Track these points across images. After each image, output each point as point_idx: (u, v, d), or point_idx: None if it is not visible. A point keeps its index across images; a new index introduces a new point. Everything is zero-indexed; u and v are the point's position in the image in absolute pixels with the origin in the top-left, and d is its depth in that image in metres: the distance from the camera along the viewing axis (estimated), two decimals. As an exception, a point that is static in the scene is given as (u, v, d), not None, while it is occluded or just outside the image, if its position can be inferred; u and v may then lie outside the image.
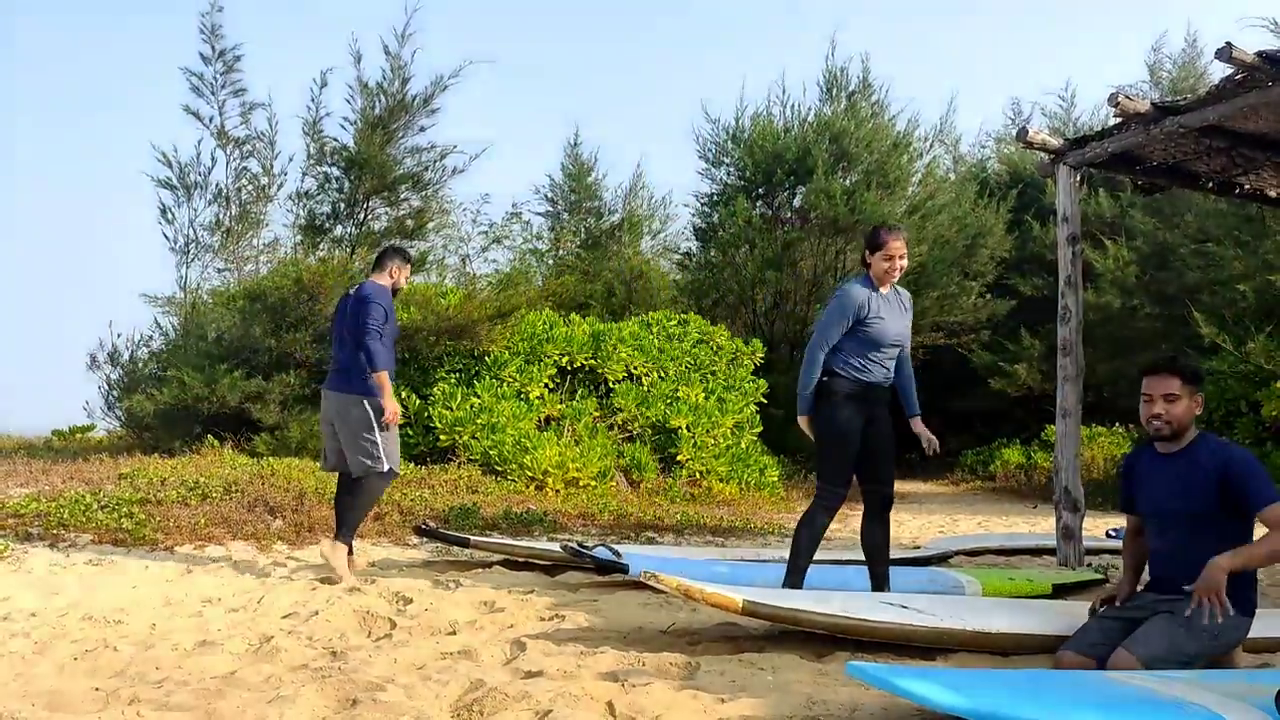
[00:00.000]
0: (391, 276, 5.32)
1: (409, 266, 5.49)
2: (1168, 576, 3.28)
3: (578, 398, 10.74)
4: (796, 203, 15.12)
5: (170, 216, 12.73)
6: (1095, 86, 47.66)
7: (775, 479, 11.37)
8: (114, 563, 5.30)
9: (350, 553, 5.13)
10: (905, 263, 4.26)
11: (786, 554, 6.00)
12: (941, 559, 6.31)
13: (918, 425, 4.41)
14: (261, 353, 10.30)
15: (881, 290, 4.27)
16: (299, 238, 12.69)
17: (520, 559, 5.56)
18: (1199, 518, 3.19)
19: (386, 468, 5.10)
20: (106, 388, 11.77)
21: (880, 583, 4.44)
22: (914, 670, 2.73)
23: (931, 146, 17.21)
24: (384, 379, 5.02)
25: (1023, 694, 2.45)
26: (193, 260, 12.78)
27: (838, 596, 3.82)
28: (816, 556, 4.57)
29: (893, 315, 4.28)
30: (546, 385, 10.48)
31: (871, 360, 4.22)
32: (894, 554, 6.26)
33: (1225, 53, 4.57)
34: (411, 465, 9.18)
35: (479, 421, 9.55)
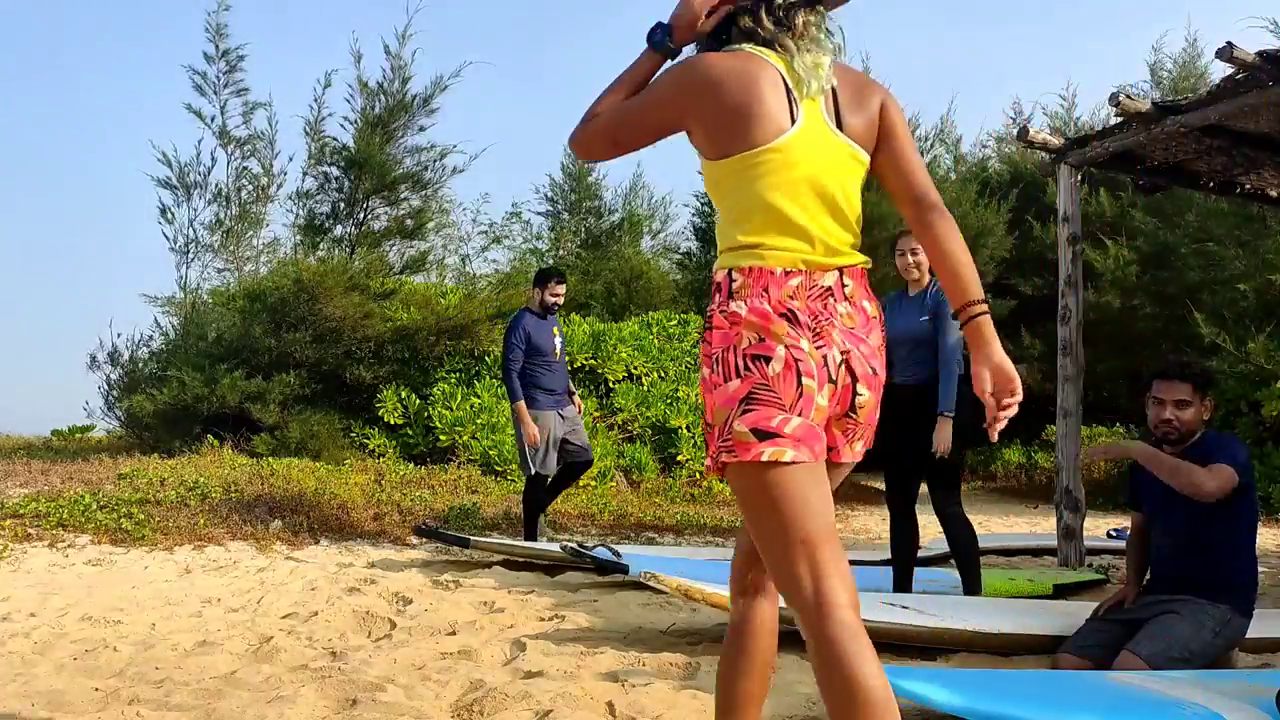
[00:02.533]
0: (536, 297, 6.12)
1: (551, 284, 6.14)
2: (1170, 574, 3.28)
3: (578, 398, 10.74)
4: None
5: (170, 216, 12.72)
6: (1096, 86, 47.66)
7: (775, 479, 11.35)
8: (114, 563, 5.30)
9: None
10: (917, 260, 4.37)
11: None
12: (942, 559, 6.30)
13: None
14: (261, 353, 10.29)
15: (909, 291, 4.45)
16: (299, 238, 12.68)
17: (520, 559, 5.56)
18: (1200, 516, 3.20)
19: (533, 471, 5.96)
20: (106, 388, 11.77)
21: (898, 580, 4.50)
22: (914, 670, 2.72)
23: (932, 146, 17.22)
24: (520, 409, 5.91)
25: (1023, 694, 2.45)
26: (193, 260, 12.78)
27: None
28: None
29: (897, 315, 4.37)
30: (546, 385, 10.47)
31: (895, 359, 4.37)
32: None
33: (1226, 53, 4.57)
34: (411, 465, 9.19)
35: (479, 421, 9.55)
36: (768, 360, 1.69)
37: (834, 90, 1.83)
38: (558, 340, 6.16)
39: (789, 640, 3.66)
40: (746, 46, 1.83)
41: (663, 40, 1.91)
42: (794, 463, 1.66)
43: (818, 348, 1.71)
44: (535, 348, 5.99)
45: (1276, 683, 2.53)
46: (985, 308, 1.80)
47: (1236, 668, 3.19)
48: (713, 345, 1.76)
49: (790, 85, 1.79)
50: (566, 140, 1.98)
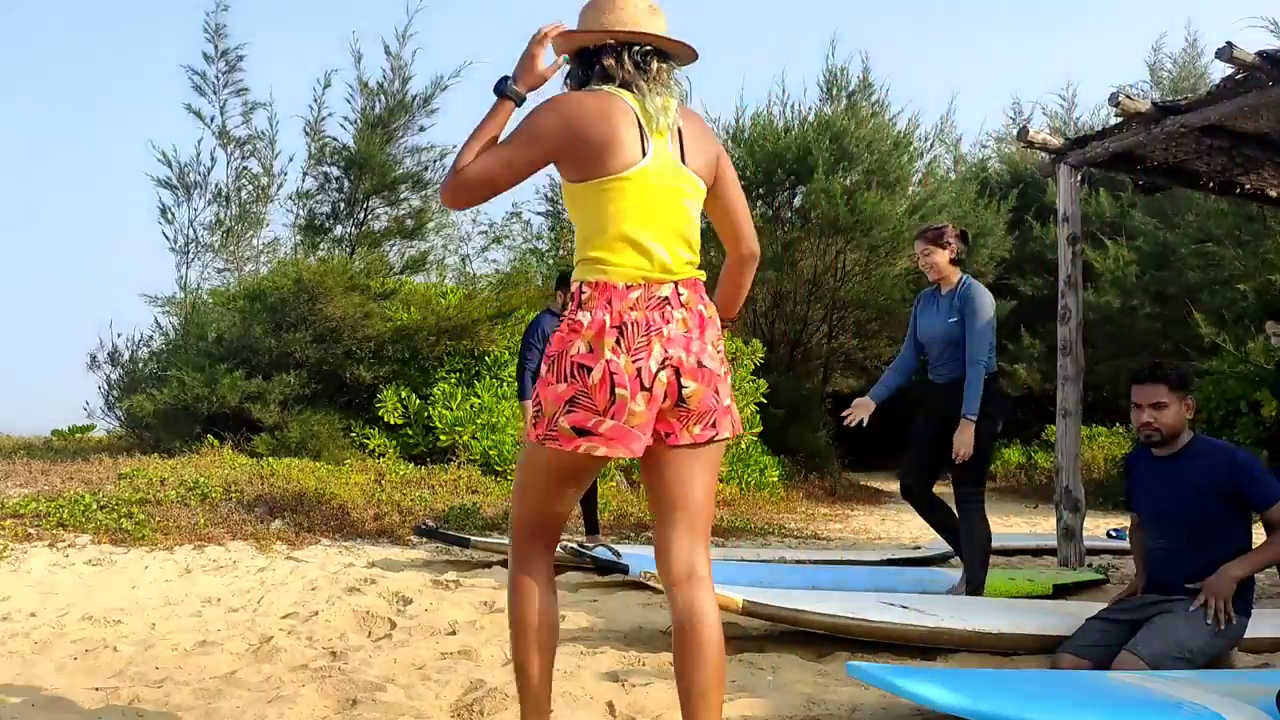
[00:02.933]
0: (560, 299, 5.97)
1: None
2: (1167, 577, 3.28)
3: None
4: (796, 202, 15.11)
5: (170, 216, 12.70)
6: (1096, 86, 47.66)
7: (775, 479, 11.37)
8: (114, 563, 5.30)
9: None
10: (929, 260, 4.46)
11: (786, 554, 6.01)
12: (942, 559, 6.31)
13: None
14: (261, 353, 10.29)
15: (940, 290, 4.50)
16: (299, 238, 12.67)
17: (520, 559, 5.55)
18: (1196, 519, 3.21)
19: None
20: (106, 388, 11.75)
21: (967, 583, 4.47)
22: (914, 670, 2.73)
23: (932, 146, 17.21)
24: (526, 408, 5.70)
25: (1023, 694, 2.45)
26: (193, 260, 12.76)
27: (838, 596, 3.82)
28: (817, 556, 4.56)
29: (928, 315, 4.49)
30: (547, 385, 10.47)
31: (930, 357, 4.51)
32: (894, 554, 6.28)
33: (1226, 53, 4.57)
34: (411, 465, 9.19)
35: (479, 421, 9.54)
36: (589, 371, 2.01)
37: (680, 129, 2.14)
38: None
39: (789, 640, 3.67)
40: (606, 87, 2.12)
41: (508, 89, 2.16)
42: (585, 455, 2.04)
43: (634, 361, 2.01)
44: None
45: (1276, 683, 2.53)
46: (730, 327, 2.31)
47: (1236, 668, 3.20)
48: (553, 347, 2.07)
49: (643, 122, 2.08)
50: (440, 194, 2.19)
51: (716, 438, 2.12)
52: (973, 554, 4.41)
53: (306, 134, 12.64)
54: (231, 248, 12.87)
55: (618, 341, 2.01)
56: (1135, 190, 6.98)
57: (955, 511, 4.49)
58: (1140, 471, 3.42)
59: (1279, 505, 3.14)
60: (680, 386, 2.05)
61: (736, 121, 15.92)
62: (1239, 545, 3.20)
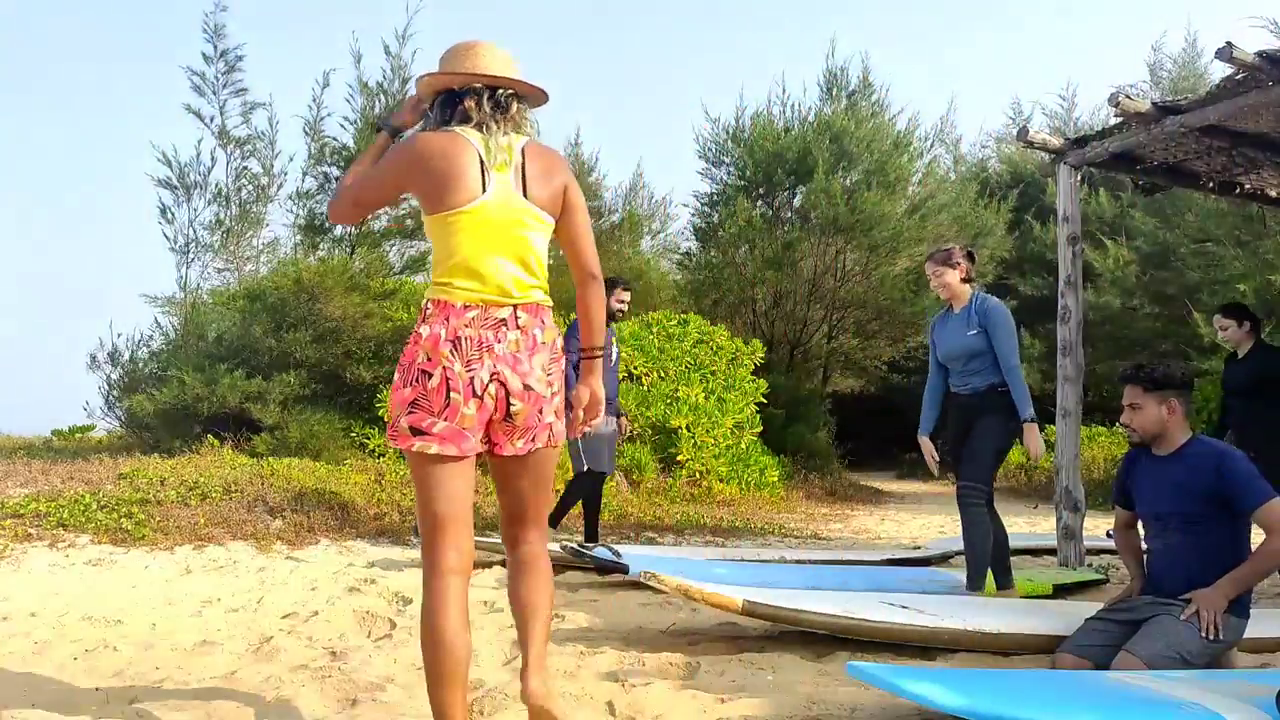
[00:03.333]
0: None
1: (616, 290, 6.21)
2: (1166, 578, 3.28)
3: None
4: (796, 202, 15.11)
5: (170, 216, 12.69)
6: (1096, 86, 47.67)
7: (775, 479, 11.36)
8: (114, 563, 5.30)
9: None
10: (941, 281, 4.63)
11: (786, 554, 6.02)
12: (942, 559, 6.31)
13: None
14: (261, 353, 10.28)
15: (954, 308, 4.67)
16: (299, 238, 12.65)
17: (520, 559, 5.55)
18: (1194, 519, 3.20)
19: (584, 468, 6.04)
20: (106, 388, 11.75)
21: (967, 578, 4.49)
22: (914, 670, 2.73)
23: (932, 146, 17.21)
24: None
25: (1023, 694, 2.45)
26: (193, 260, 12.75)
27: (838, 597, 3.82)
28: (817, 556, 4.57)
29: (946, 334, 4.67)
30: (546, 385, 10.47)
31: (951, 372, 4.70)
32: (894, 554, 6.28)
33: (1225, 53, 4.57)
34: (411, 465, 9.17)
35: (479, 421, 9.54)
36: (430, 376, 2.29)
37: (524, 164, 2.39)
38: (614, 349, 6.31)
39: (789, 640, 3.67)
40: (456, 128, 2.38)
41: (388, 124, 2.66)
42: (438, 455, 2.31)
43: (468, 370, 2.30)
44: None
45: (1276, 683, 2.53)
46: (599, 353, 2.54)
47: (1236, 668, 3.19)
48: (404, 357, 2.35)
49: (485, 159, 2.35)
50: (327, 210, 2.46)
51: (534, 449, 2.44)
52: (977, 559, 4.41)
53: (306, 134, 12.64)
54: (231, 248, 12.87)
55: (452, 352, 2.29)
56: (1135, 190, 6.97)
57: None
58: (1139, 470, 3.42)
59: (1265, 509, 3.08)
60: (509, 404, 2.35)
61: (736, 121, 15.92)
62: (1236, 546, 3.19)
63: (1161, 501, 3.30)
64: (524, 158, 2.40)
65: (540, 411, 2.39)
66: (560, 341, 2.45)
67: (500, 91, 2.42)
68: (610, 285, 6.34)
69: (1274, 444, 5.14)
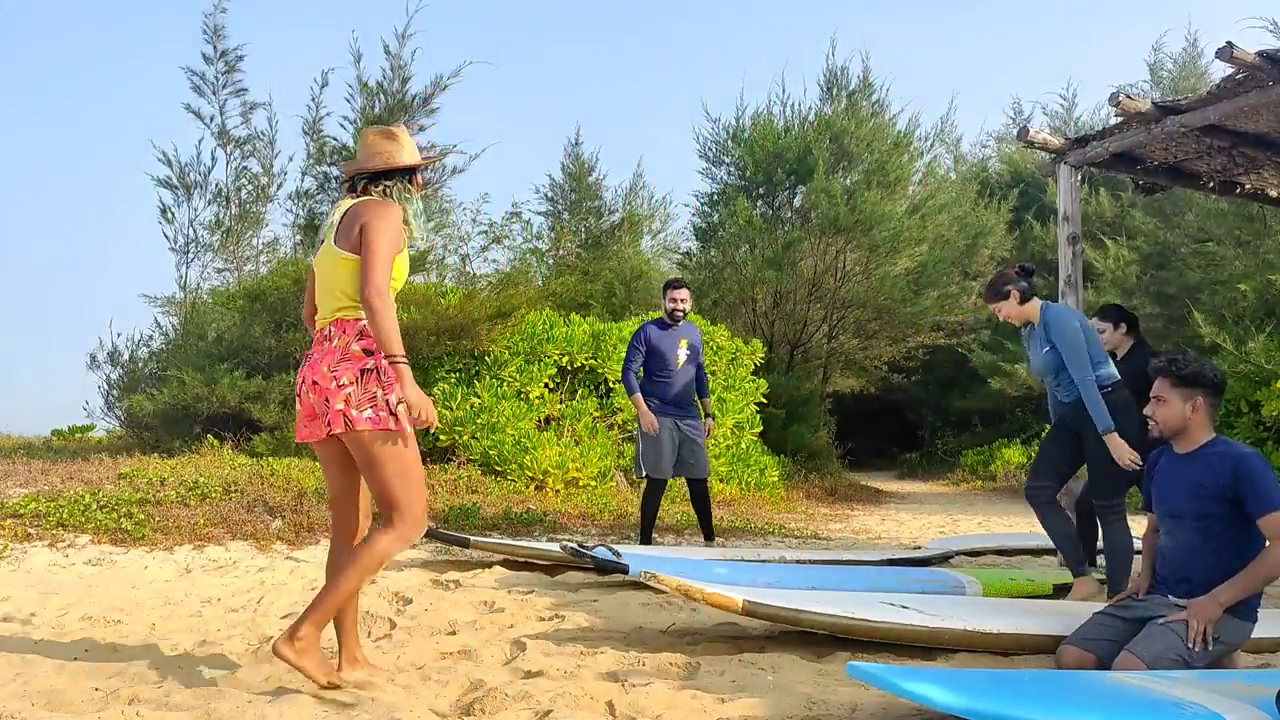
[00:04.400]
0: (663, 306, 6.37)
1: (669, 291, 6.35)
2: (1176, 576, 3.27)
3: (578, 398, 10.73)
4: (797, 202, 15.11)
5: (170, 216, 12.71)
6: (1096, 86, 47.68)
7: (775, 479, 11.36)
8: (114, 563, 5.30)
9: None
10: (1004, 316, 4.59)
11: (786, 554, 6.01)
12: (942, 559, 6.31)
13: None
14: (261, 353, 10.29)
15: (1033, 326, 4.61)
16: (299, 237, 12.67)
17: (520, 559, 5.56)
18: (1208, 518, 3.18)
19: (644, 474, 6.15)
20: (106, 388, 11.77)
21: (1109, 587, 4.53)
22: (914, 670, 2.72)
23: (932, 146, 17.22)
24: (636, 400, 6.15)
25: (1023, 694, 2.45)
26: (193, 260, 12.77)
27: (838, 597, 3.81)
28: (817, 556, 4.54)
29: (1031, 354, 4.68)
30: (546, 385, 10.47)
31: (1048, 388, 4.72)
32: (894, 554, 6.28)
33: (1226, 52, 4.57)
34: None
35: (479, 421, 9.54)
36: (300, 383, 3.03)
37: (341, 220, 3.03)
38: (682, 352, 6.27)
39: (789, 640, 3.67)
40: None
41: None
42: (303, 440, 3.08)
43: (300, 376, 3.03)
44: (656, 354, 6.21)
45: (1276, 683, 2.53)
46: (404, 361, 2.88)
47: (1237, 668, 3.19)
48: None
49: (331, 221, 3.08)
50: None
51: (331, 433, 2.94)
52: (1111, 572, 4.47)
53: (305, 134, 12.65)
54: (231, 248, 12.88)
55: (299, 364, 2.73)
56: (1135, 190, 6.97)
57: (1075, 519, 4.62)
58: (1160, 468, 3.41)
59: (1271, 516, 3.04)
60: (312, 399, 2.97)
61: (737, 121, 15.93)
62: (1247, 548, 3.17)
63: (1177, 499, 3.27)
64: (341, 215, 3.05)
65: (327, 401, 2.90)
66: (354, 346, 2.93)
67: (357, 179, 3.17)
68: (664, 286, 6.47)
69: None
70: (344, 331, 2.96)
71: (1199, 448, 3.28)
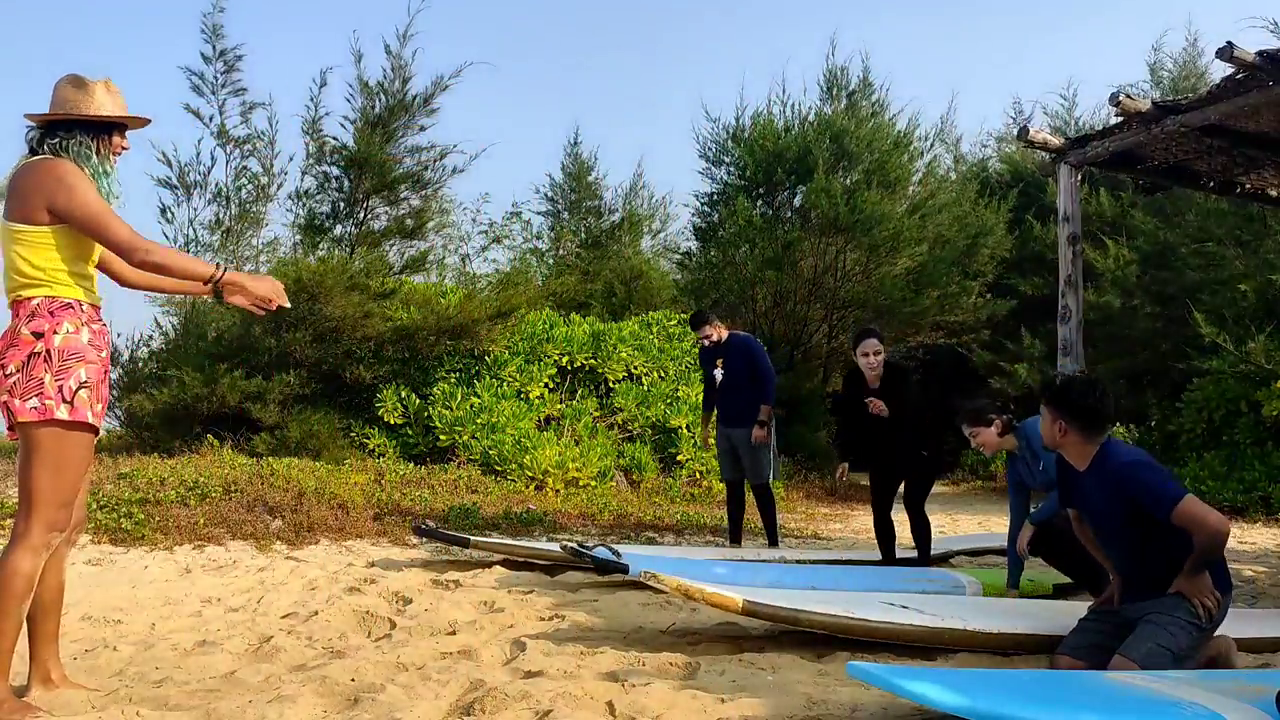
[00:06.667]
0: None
1: (701, 327, 6.73)
2: (1137, 577, 3.27)
3: (578, 398, 10.73)
4: (796, 202, 15.10)
5: (170, 216, 12.69)
6: (1096, 86, 47.66)
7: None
8: (114, 563, 5.30)
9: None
10: (977, 442, 4.67)
11: (786, 554, 6.02)
12: (942, 559, 6.31)
13: None
14: (261, 353, 10.28)
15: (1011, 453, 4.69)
16: (299, 237, 12.65)
17: (520, 559, 5.56)
18: (1137, 528, 3.19)
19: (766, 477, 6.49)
20: (106, 387, 11.74)
21: None
22: (914, 670, 2.73)
23: (932, 145, 17.18)
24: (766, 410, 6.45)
25: (1022, 694, 2.45)
26: (193, 260, 12.73)
27: (838, 597, 3.82)
28: (817, 557, 4.53)
29: (1024, 475, 4.71)
30: (546, 385, 10.47)
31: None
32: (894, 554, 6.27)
33: (1226, 52, 4.57)
34: (411, 465, 9.18)
35: (479, 421, 9.54)
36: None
37: (11, 190, 2.72)
38: (717, 373, 6.69)
39: (789, 640, 3.67)
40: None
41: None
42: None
43: None
44: (707, 374, 6.82)
45: (1276, 683, 2.53)
46: (222, 272, 2.95)
47: (1236, 668, 3.19)
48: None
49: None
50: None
51: (8, 424, 2.75)
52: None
53: (306, 134, 12.63)
54: (231, 247, 12.86)
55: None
56: (1135, 190, 6.99)
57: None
58: (1068, 476, 3.41)
59: (1176, 514, 3.04)
60: None
61: (736, 121, 15.91)
62: (1183, 540, 3.14)
63: (1100, 518, 3.33)
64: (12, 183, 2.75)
65: (11, 391, 2.68)
66: (23, 329, 2.68)
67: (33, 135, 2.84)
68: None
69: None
70: (15, 314, 2.70)
71: (1090, 463, 3.27)
